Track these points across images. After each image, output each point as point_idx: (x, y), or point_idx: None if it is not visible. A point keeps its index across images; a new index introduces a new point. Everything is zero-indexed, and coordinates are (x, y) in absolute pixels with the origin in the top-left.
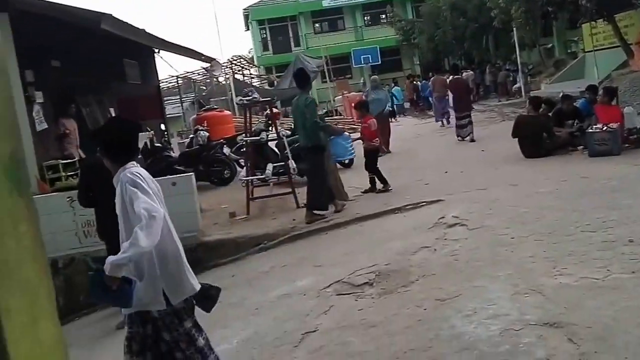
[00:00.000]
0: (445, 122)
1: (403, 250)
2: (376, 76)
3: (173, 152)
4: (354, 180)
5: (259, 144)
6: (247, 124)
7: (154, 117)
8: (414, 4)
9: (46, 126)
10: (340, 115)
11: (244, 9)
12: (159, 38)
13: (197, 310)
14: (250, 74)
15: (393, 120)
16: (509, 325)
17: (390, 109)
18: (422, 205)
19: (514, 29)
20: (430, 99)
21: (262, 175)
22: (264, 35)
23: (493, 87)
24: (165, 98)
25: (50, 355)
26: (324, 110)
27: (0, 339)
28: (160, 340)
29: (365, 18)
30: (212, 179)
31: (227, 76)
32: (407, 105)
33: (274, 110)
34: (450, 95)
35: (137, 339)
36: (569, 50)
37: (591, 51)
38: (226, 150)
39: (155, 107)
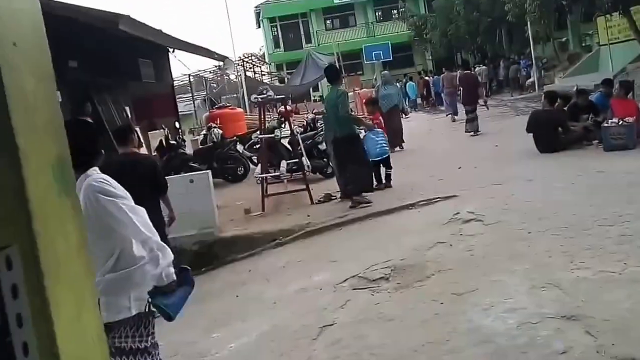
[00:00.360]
0: (456, 116)
1: (418, 246)
2: (387, 71)
3: (187, 150)
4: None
5: (273, 141)
6: (262, 122)
7: (168, 115)
8: None
9: None
10: (352, 111)
11: (256, 7)
12: (174, 38)
13: (217, 305)
14: (262, 71)
15: (403, 115)
16: (526, 318)
17: (406, 107)
18: (437, 201)
19: (528, 22)
20: (442, 94)
21: (276, 172)
22: (275, 32)
23: (506, 81)
24: (177, 96)
25: (93, 349)
26: None
27: (50, 331)
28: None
29: (377, 14)
30: (226, 176)
31: (238, 74)
32: (418, 100)
33: (287, 107)
34: (461, 90)
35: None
36: (583, 44)
37: (606, 44)
38: (239, 147)
39: (169, 106)
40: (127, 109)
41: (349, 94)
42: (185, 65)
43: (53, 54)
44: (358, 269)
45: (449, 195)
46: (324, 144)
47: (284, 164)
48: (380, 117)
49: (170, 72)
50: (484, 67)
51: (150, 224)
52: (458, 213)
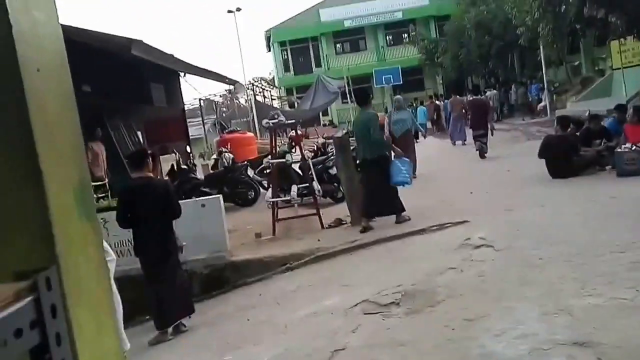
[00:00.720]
0: (461, 142)
1: (429, 271)
2: (400, 96)
3: (198, 174)
4: None
5: (283, 166)
6: (273, 146)
7: (179, 139)
8: (438, 22)
9: None
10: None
11: (266, 31)
12: (185, 62)
13: (228, 328)
14: (271, 95)
15: (417, 141)
16: (538, 344)
17: (422, 130)
18: (448, 226)
19: (541, 46)
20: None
21: (286, 196)
22: (285, 56)
23: (517, 105)
24: (188, 119)
25: None
26: (344, 131)
27: (73, 352)
28: None
29: (387, 38)
30: (236, 200)
31: (248, 98)
32: (428, 125)
33: (298, 132)
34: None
35: None
36: (596, 68)
37: (619, 69)
38: (250, 171)
39: (180, 130)
40: (139, 133)
41: None
42: (196, 89)
43: None
44: (369, 293)
45: (460, 220)
46: (334, 168)
47: (294, 188)
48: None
49: (182, 96)
50: (494, 91)
51: None
52: (469, 238)
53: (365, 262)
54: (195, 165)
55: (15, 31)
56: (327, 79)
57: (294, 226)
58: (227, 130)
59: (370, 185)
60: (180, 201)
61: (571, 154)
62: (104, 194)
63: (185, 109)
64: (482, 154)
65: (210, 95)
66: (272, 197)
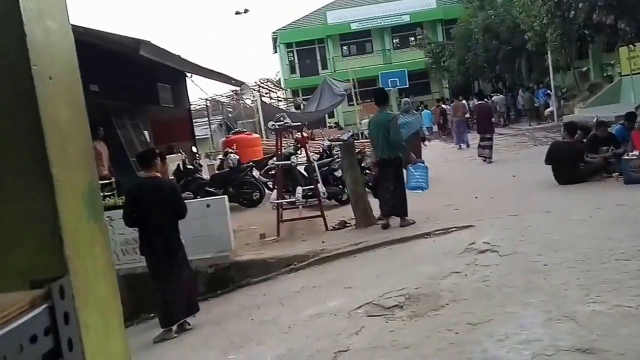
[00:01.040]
0: (464, 145)
1: (433, 275)
2: (407, 99)
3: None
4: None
5: (289, 168)
6: (278, 148)
7: (185, 139)
8: (445, 26)
9: None
10: (367, 138)
11: (273, 33)
12: (192, 63)
13: (232, 327)
14: (278, 96)
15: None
16: (541, 350)
17: (427, 133)
18: (453, 231)
19: (549, 51)
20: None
21: (290, 197)
22: (292, 58)
23: (524, 110)
24: (194, 120)
25: None
26: (350, 133)
27: (82, 352)
28: None
29: (394, 41)
30: (241, 201)
31: (254, 99)
32: (435, 129)
33: (304, 134)
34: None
35: None
36: (604, 74)
37: (628, 75)
38: (255, 172)
39: (187, 130)
40: (146, 132)
41: (365, 120)
42: (202, 89)
43: None
44: (372, 296)
45: (465, 225)
46: (339, 170)
47: (299, 190)
48: None
49: (188, 97)
50: (501, 96)
51: None
52: (474, 243)
53: (369, 264)
54: (201, 166)
55: (29, 40)
56: (334, 81)
57: (299, 228)
58: (233, 131)
59: (387, 184)
60: (185, 201)
61: (578, 161)
62: (110, 193)
63: (192, 109)
64: (487, 159)
65: (216, 95)
66: (277, 199)
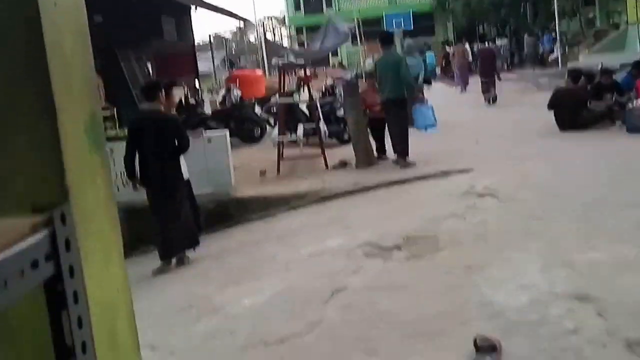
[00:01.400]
0: (464, 88)
1: (432, 217)
2: (411, 40)
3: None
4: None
5: (291, 105)
6: (282, 85)
7: (188, 74)
8: None
9: None
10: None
11: None
12: None
13: (231, 262)
14: (282, 34)
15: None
16: (538, 296)
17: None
18: (453, 174)
19: None
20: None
21: (292, 135)
22: None
23: (528, 55)
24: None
25: (118, 298)
26: (354, 73)
27: (82, 280)
28: None
29: None
30: (242, 137)
31: (258, 36)
32: (438, 71)
33: (307, 72)
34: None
35: None
36: (611, 21)
37: (635, 23)
38: (257, 109)
39: (190, 64)
40: (149, 65)
41: (369, 60)
42: (206, 24)
43: None
44: (371, 236)
45: (465, 168)
46: (341, 110)
47: (301, 128)
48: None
49: (192, 31)
50: (505, 40)
51: None
52: (473, 187)
53: (368, 205)
54: (203, 101)
55: None
56: (338, 20)
57: (299, 166)
58: (236, 67)
59: (393, 124)
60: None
61: (581, 107)
62: (111, 124)
63: (195, 44)
64: (490, 101)
65: (220, 31)
66: (279, 136)
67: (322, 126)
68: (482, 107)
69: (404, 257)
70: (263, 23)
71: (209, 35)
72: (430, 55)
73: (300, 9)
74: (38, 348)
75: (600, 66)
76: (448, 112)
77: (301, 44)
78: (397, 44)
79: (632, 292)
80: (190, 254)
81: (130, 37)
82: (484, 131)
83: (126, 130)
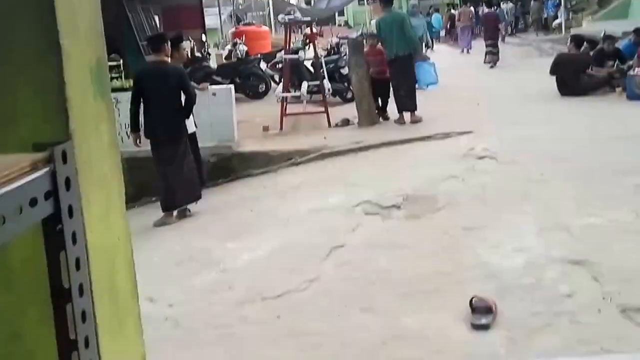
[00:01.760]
0: (467, 50)
1: (431, 178)
2: (416, 2)
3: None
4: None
5: (296, 62)
6: (287, 42)
7: (195, 27)
8: None
9: None
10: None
11: None
12: None
13: (231, 216)
14: None
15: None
16: (533, 259)
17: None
18: (453, 136)
19: None
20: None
21: (296, 92)
22: None
23: (532, 20)
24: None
25: (119, 245)
26: (359, 32)
27: (81, 221)
28: None
29: None
30: (247, 92)
31: None
32: (442, 33)
33: (313, 30)
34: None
35: None
36: None
37: None
38: (263, 65)
39: (197, 18)
40: (157, 17)
41: (373, 21)
42: None
43: None
44: (371, 194)
45: (465, 130)
46: (346, 68)
47: (305, 85)
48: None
49: None
50: (510, 4)
51: None
52: (473, 149)
53: (369, 163)
54: (209, 54)
55: None
56: None
57: (302, 122)
58: (242, 23)
59: (400, 81)
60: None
61: (582, 73)
62: (117, 75)
63: None
64: (492, 63)
65: None
66: (283, 92)
67: (326, 84)
68: (484, 70)
69: (402, 216)
70: None
71: None
72: (437, 17)
73: None
74: (36, 289)
75: (603, 33)
76: (450, 74)
77: (308, 2)
78: (403, 5)
79: (627, 258)
80: (191, 207)
81: None
82: (486, 94)
83: (132, 81)
